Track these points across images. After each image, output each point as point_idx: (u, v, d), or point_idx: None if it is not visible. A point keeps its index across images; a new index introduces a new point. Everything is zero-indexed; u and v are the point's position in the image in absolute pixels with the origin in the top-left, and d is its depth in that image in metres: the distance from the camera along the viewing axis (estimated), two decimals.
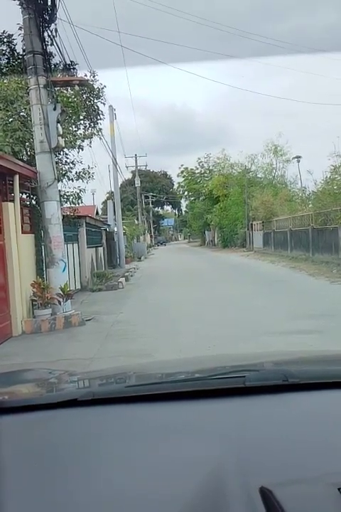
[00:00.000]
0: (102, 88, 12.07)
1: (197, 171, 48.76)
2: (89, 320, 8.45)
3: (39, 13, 7.88)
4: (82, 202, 12.26)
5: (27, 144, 9.89)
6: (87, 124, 12.17)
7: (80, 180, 11.74)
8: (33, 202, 9.16)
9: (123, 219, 26.16)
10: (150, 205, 66.22)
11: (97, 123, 12.37)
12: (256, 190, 31.71)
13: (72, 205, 11.91)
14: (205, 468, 0.81)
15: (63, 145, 8.82)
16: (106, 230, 21.61)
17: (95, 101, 12.06)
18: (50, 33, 8.08)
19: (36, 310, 8.07)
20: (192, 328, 7.06)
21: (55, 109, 8.07)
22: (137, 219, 41.55)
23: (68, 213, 11.77)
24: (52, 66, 9.01)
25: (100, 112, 12.36)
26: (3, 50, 10.63)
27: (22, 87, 9.76)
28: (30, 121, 8.73)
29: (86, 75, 11.07)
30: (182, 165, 51.58)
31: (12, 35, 10.36)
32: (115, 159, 23.21)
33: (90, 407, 1.08)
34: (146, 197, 59.35)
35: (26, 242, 8.42)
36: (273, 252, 25.08)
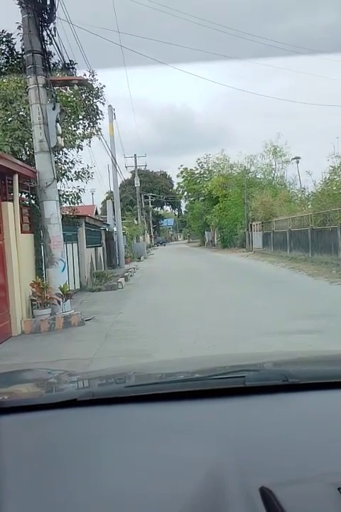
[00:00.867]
0: (101, 88, 12.09)
1: (196, 172, 48.78)
2: (88, 320, 8.45)
3: (38, 13, 7.88)
4: (81, 202, 12.27)
5: (26, 143, 9.89)
6: (86, 124, 12.18)
7: (79, 179, 11.76)
8: (32, 201, 9.15)
9: (122, 219, 26.17)
10: (150, 205, 66.23)
11: (96, 123, 12.39)
12: (256, 190, 31.72)
13: (72, 205, 11.92)
14: (205, 468, 0.81)
15: (62, 144, 8.82)
16: (105, 229, 21.61)
17: (94, 101, 12.06)
18: (49, 33, 8.08)
19: (35, 310, 8.07)
20: (192, 328, 7.06)
21: (54, 108, 8.06)
22: (136, 219, 41.55)
23: (67, 213, 11.78)
24: (52, 65, 8.99)
25: (99, 112, 12.37)
26: (2, 49, 10.63)
27: (21, 87, 9.76)
28: (30, 120, 8.73)
29: (85, 75, 11.09)
30: (181, 165, 51.70)
31: (11, 34, 10.36)
32: (114, 159, 23.22)
33: (90, 407, 1.08)
34: (146, 197, 59.33)
35: (25, 241, 8.42)
36: (273, 252, 25.10)
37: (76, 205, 12.08)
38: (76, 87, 10.01)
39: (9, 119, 9.71)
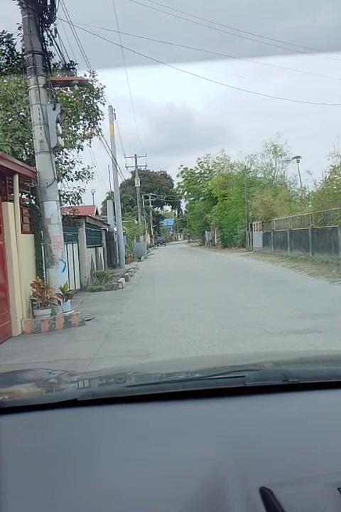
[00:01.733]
0: (102, 88, 12.09)
1: (196, 171, 48.78)
2: (89, 320, 8.45)
3: (38, 13, 7.88)
4: (81, 202, 12.28)
5: (26, 143, 9.89)
6: (87, 124, 12.18)
7: (80, 180, 11.76)
8: (33, 202, 9.16)
9: (123, 219, 26.17)
10: (150, 205, 66.23)
11: (97, 123, 12.38)
12: (256, 190, 31.71)
13: (72, 205, 11.92)
14: (205, 468, 0.81)
15: (63, 145, 8.82)
16: (105, 230, 21.61)
17: (95, 101, 12.06)
18: (49, 33, 8.08)
19: (36, 310, 8.07)
20: (192, 328, 7.06)
21: (54, 108, 8.06)
22: (137, 219, 41.55)
23: (68, 213, 11.78)
24: (52, 66, 9.01)
25: (100, 112, 12.37)
26: (2, 49, 10.64)
27: (21, 87, 9.76)
28: (30, 121, 8.73)
29: (85, 75, 11.08)
30: (181, 165, 51.71)
31: (11, 34, 10.38)
32: (115, 159, 23.21)
33: (90, 407, 1.08)
34: (146, 197, 59.35)
35: (26, 242, 8.42)
36: (273, 252, 25.09)
37: (76, 205, 12.09)
38: (76, 88, 10.00)
39: (10, 120, 9.72)
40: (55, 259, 8.37)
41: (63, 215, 10.08)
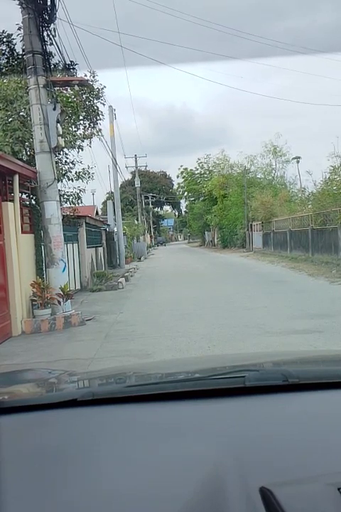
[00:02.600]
0: (102, 88, 12.10)
1: (196, 172, 48.77)
2: (89, 320, 8.45)
3: (39, 13, 7.88)
4: (81, 202, 12.29)
5: (27, 143, 9.89)
6: (87, 124, 12.18)
7: (80, 180, 11.76)
8: (33, 202, 9.16)
9: (123, 219, 26.16)
10: (150, 206, 66.22)
11: (97, 123, 12.39)
12: (256, 190, 31.71)
13: (72, 205, 11.92)
14: (205, 468, 0.81)
15: (63, 145, 8.82)
16: (106, 230, 21.61)
17: (95, 101, 12.06)
18: (49, 33, 8.09)
19: (36, 310, 8.07)
20: (192, 328, 7.06)
21: (54, 109, 8.07)
22: (137, 219, 41.54)
23: (68, 213, 11.78)
24: (52, 66, 9.00)
25: (100, 112, 12.37)
26: (2, 49, 10.63)
27: (21, 87, 9.76)
28: (30, 121, 8.73)
29: (86, 75, 11.09)
30: (181, 165, 51.70)
31: (11, 34, 10.37)
32: (115, 159, 23.22)
33: (90, 407, 1.08)
34: (146, 197, 59.34)
35: (26, 242, 8.42)
36: (273, 252, 25.09)
37: (76, 205, 12.09)
38: (76, 88, 10.01)
39: (10, 120, 9.72)
40: (55, 259, 8.37)
41: (63, 215, 10.07)
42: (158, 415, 1.06)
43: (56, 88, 8.89)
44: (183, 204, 66.59)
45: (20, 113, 9.87)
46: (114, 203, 24.76)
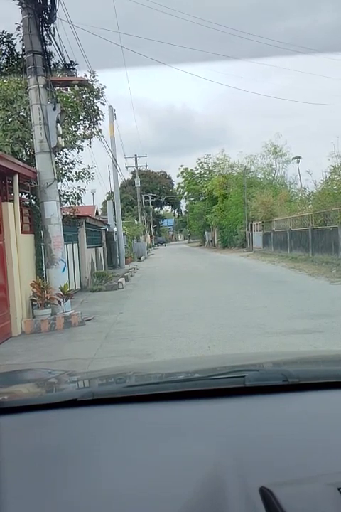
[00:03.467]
0: (102, 88, 12.09)
1: (196, 172, 48.77)
2: (89, 320, 8.45)
3: (38, 13, 7.88)
4: (81, 202, 12.28)
5: (26, 143, 9.89)
6: (87, 124, 12.17)
7: (80, 180, 11.75)
8: (33, 202, 9.16)
9: (123, 219, 26.16)
10: (150, 206, 66.22)
11: (97, 123, 12.37)
12: (256, 190, 31.71)
13: (72, 205, 11.92)
14: (205, 468, 0.81)
15: (63, 145, 8.82)
16: (106, 230, 21.60)
17: (95, 101, 12.06)
18: (49, 33, 8.08)
19: (36, 310, 8.07)
20: (192, 328, 7.06)
21: (54, 109, 8.06)
22: (137, 219, 41.54)
23: (68, 213, 11.77)
24: (52, 66, 9.00)
25: (100, 112, 12.36)
26: (2, 49, 10.62)
27: (21, 87, 9.76)
28: (30, 121, 8.73)
29: (86, 75, 11.07)
30: (181, 165, 51.67)
31: (11, 34, 10.36)
32: (115, 159, 23.22)
33: (90, 407, 1.08)
34: (146, 197, 59.35)
35: (26, 242, 8.42)
36: (273, 252, 25.09)
37: (76, 205, 12.08)
38: (76, 88, 10.00)
39: (10, 120, 9.72)
40: (55, 259, 8.36)
41: (63, 215, 10.07)
42: (158, 415, 1.06)
43: (56, 88, 8.89)
44: (183, 204, 66.64)
45: (20, 113, 9.87)
46: (114, 203, 24.77)
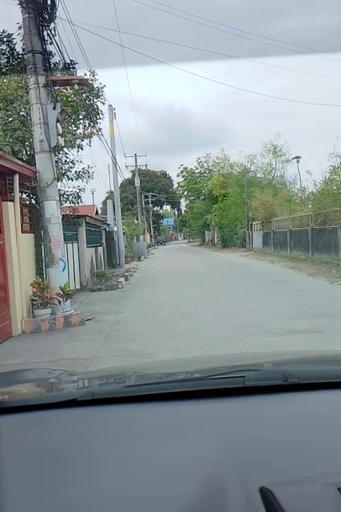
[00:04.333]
0: (102, 88, 12.09)
1: (196, 171, 48.77)
2: (89, 320, 8.45)
3: (39, 13, 7.88)
4: (81, 201, 12.28)
5: (26, 143, 9.89)
6: (87, 124, 12.18)
7: (80, 179, 11.75)
8: (33, 201, 9.16)
9: (122, 219, 26.15)
10: (150, 205, 66.20)
11: (97, 122, 12.39)
12: (256, 190, 31.72)
13: (72, 205, 11.92)
14: (205, 468, 0.81)
15: (63, 144, 8.82)
16: (105, 229, 21.60)
17: (95, 100, 12.06)
18: (49, 32, 8.08)
19: (36, 310, 8.07)
20: (191, 328, 7.06)
21: (54, 108, 8.06)
22: (137, 219, 41.53)
23: (68, 213, 11.78)
24: (52, 65, 9.00)
25: (100, 112, 12.37)
26: (2, 49, 10.63)
27: (22, 87, 9.76)
28: (30, 120, 8.73)
29: (85, 75, 11.07)
30: (181, 165, 51.67)
31: (11, 34, 10.36)
32: (115, 159, 23.21)
33: (90, 407, 1.08)
34: (146, 196, 59.32)
35: (26, 241, 8.42)
36: (273, 252, 25.10)
37: (76, 204, 12.09)
38: (76, 87, 9.98)
39: (10, 119, 9.71)
40: (55, 259, 8.36)
41: (63, 215, 10.07)
42: (158, 415, 1.06)
43: (56, 87, 8.88)
44: (183, 203, 66.65)
45: (20, 113, 9.87)
46: (113, 203, 24.76)
